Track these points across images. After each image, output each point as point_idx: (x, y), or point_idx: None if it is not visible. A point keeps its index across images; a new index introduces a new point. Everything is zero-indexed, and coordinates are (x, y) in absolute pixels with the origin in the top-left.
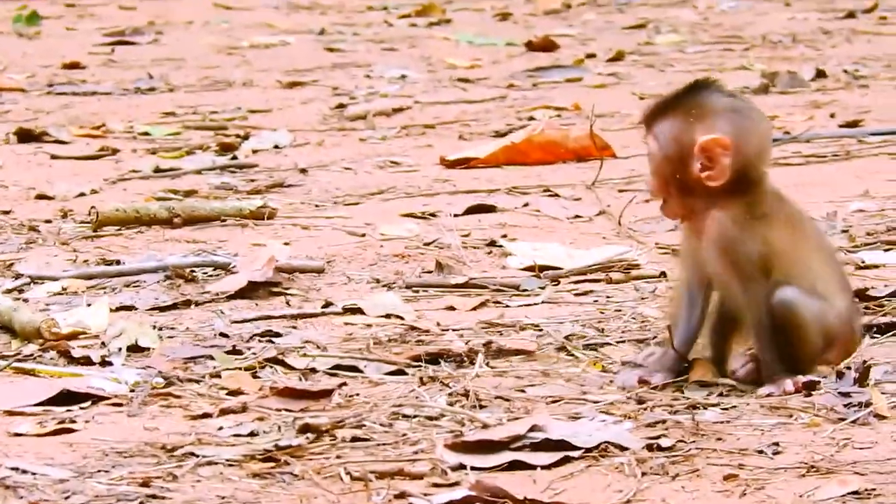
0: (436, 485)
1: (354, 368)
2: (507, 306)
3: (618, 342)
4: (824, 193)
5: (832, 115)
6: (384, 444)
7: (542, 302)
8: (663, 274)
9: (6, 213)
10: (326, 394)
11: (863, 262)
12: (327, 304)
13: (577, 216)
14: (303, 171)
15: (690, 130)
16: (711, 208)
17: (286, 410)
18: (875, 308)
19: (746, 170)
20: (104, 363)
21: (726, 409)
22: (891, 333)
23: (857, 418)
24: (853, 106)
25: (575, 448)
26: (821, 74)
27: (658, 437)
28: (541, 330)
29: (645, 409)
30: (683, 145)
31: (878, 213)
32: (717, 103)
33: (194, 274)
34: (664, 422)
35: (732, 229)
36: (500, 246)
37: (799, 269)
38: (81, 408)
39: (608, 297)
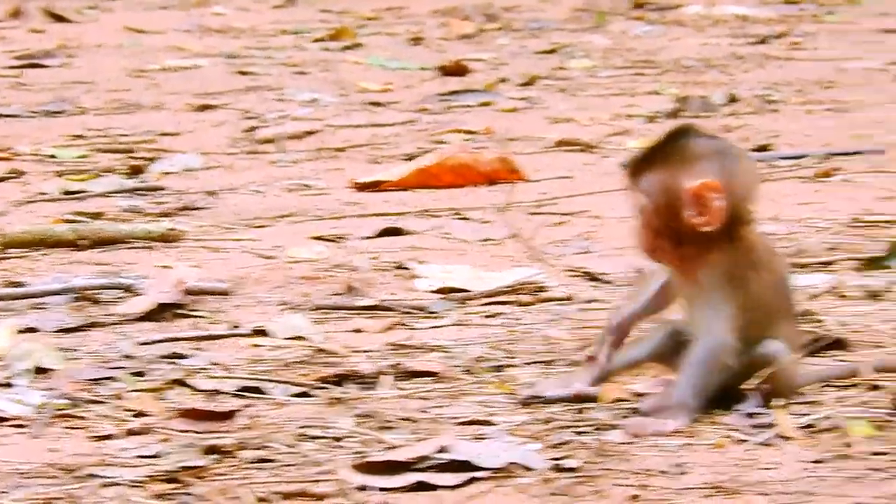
0: None
1: (260, 390)
2: (416, 328)
3: (526, 364)
4: None
5: (744, 140)
6: (289, 465)
7: (451, 324)
8: (571, 297)
9: None
10: (231, 415)
11: None
12: (234, 326)
13: (488, 239)
14: (211, 193)
15: (678, 178)
16: (705, 256)
17: (191, 432)
18: None
19: (738, 211)
20: (7, 385)
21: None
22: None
23: (763, 439)
24: (764, 130)
25: (481, 469)
26: (733, 99)
27: (564, 458)
28: (449, 352)
29: (551, 430)
30: (673, 194)
31: (786, 235)
32: (701, 147)
33: (100, 296)
34: (570, 443)
35: (724, 279)
36: (410, 268)
37: (770, 322)
38: None
39: (517, 319)
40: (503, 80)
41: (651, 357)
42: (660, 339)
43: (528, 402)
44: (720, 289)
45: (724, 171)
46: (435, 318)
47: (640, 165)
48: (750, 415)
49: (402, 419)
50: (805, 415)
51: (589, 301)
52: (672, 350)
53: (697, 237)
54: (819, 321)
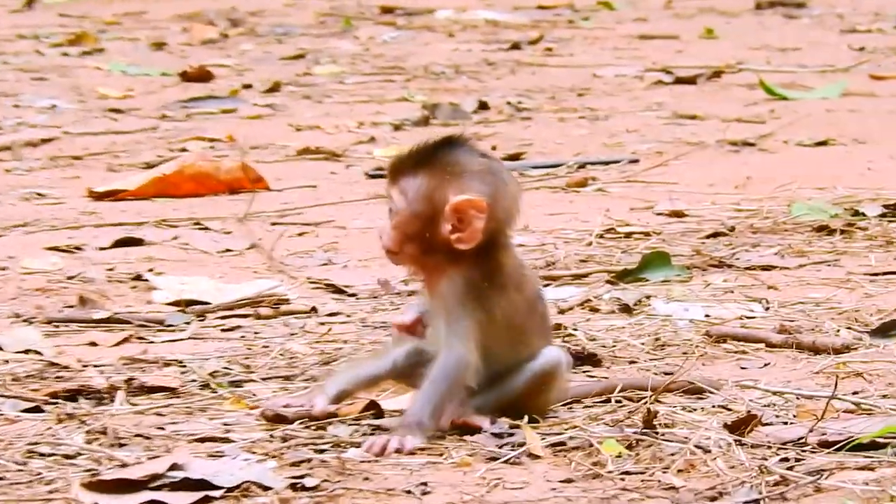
0: None
1: None
2: (152, 342)
3: (264, 379)
4: None
5: (494, 148)
6: (18, 483)
7: (188, 337)
8: (314, 309)
9: None
10: None
11: None
12: None
13: (228, 250)
14: None
15: (443, 189)
16: (449, 268)
17: None
18: None
19: (495, 234)
20: None
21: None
22: None
23: (510, 457)
24: (515, 138)
25: (216, 487)
26: (483, 106)
27: (303, 477)
28: (185, 366)
29: (290, 447)
30: (434, 204)
31: (537, 247)
32: (472, 163)
33: None
34: (309, 461)
35: (465, 294)
36: (147, 280)
37: (523, 340)
38: None
39: (256, 332)
40: (247, 87)
41: (391, 374)
42: (400, 356)
43: (265, 419)
44: (461, 304)
45: (491, 192)
46: (172, 331)
47: (405, 165)
48: (499, 434)
49: (136, 436)
50: (554, 433)
51: (332, 314)
52: (412, 367)
53: (447, 250)
54: (571, 335)
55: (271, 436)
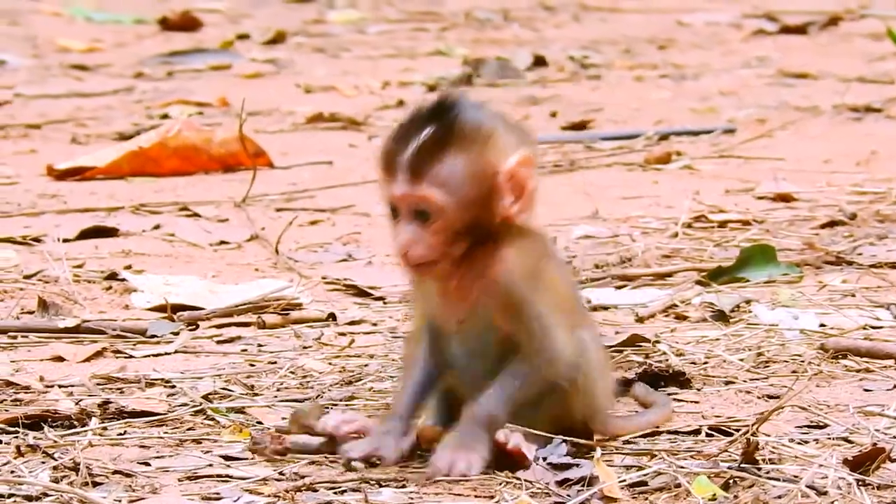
0: None
1: None
2: (131, 357)
3: (271, 404)
4: (541, 214)
5: (553, 115)
6: None
7: (176, 351)
8: (332, 316)
9: None
10: None
11: (589, 301)
12: None
13: (223, 242)
14: None
15: (488, 160)
16: (497, 256)
17: None
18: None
19: (534, 195)
20: None
21: (403, 488)
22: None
23: (581, 501)
24: (581, 102)
25: None
26: (540, 62)
27: None
28: (173, 387)
29: (301, 488)
30: (487, 180)
31: (609, 239)
32: (491, 119)
33: None
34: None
35: (531, 277)
36: (123, 280)
37: (578, 317)
38: None
39: (260, 345)
40: (243, 37)
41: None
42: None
43: (272, 452)
44: (531, 291)
45: (527, 142)
46: (155, 343)
47: (425, 155)
48: (557, 466)
49: (115, 472)
50: (631, 467)
51: (353, 322)
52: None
53: (501, 231)
54: (652, 350)
55: (280, 473)
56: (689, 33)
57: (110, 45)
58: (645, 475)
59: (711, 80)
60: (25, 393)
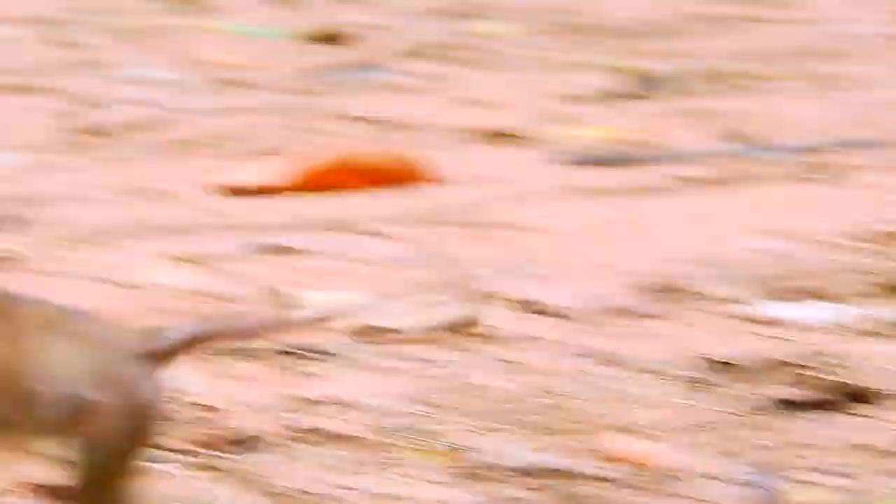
0: None
1: None
2: (320, 377)
3: (465, 426)
4: (709, 229)
5: (709, 131)
6: None
7: (368, 371)
8: (516, 334)
9: None
10: None
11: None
12: None
13: (399, 260)
14: (32, 202)
15: None
16: None
17: None
18: None
19: None
20: None
21: None
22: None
23: None
24: (741, 113)
25: None
26: (708, 74)
27: None
28: (362, 410)
29: None
30: None
31: (786, 254)
32: None
33: None
34: None
35: None
36: (301, 300)
37: None
38: None
39: (447, 364)
40: (394, 51)
41: None
42: None
43: (473, 474)
44: None
45: None
46: (344, 363)
47: None
48: None
49: (304, 493)
50: None
51: (530, 338)
52: None
53: None
54: (831, 365)
55: (485, 496)
56: (846, 44)
57: (264, 59)
58: None
59: (871, 92)
60: (212, 413)
